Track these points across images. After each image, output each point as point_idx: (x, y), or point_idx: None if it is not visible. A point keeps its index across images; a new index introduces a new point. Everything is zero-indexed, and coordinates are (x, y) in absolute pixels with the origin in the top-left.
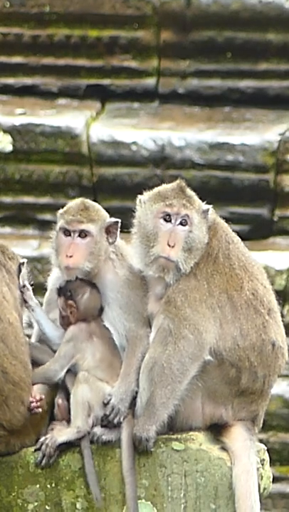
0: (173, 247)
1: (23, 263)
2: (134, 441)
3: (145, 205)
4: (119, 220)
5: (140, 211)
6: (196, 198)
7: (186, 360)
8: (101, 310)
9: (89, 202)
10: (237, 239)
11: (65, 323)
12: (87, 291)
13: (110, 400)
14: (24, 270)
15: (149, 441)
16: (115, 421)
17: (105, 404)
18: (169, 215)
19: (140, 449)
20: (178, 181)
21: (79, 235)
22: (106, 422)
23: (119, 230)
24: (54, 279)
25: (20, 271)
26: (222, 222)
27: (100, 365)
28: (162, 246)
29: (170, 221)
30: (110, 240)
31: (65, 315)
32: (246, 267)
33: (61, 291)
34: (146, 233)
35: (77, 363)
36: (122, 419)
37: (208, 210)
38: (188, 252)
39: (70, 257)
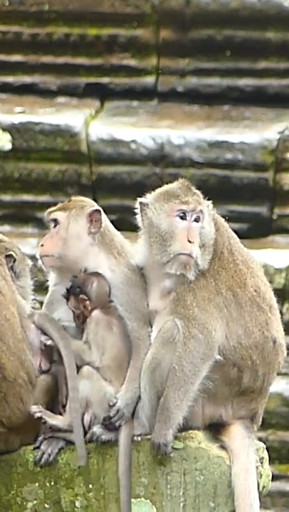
0: (193, 243)
1: (9, 255)
2: (152, 448)
3: (155, 206)
4: (100, 209)
5: (150, 212)
6: (200, 194)
7: (197, 361)
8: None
9: (75, 197)
10: (235, 236)
11: (81, 320)
12: (94, 280)
13: (116, 402)
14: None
15: (168, 446)
16: (117, 424)
17: (110, 406)
18: (184, 212)
19: (160, 454)
20: (182, 180)
21: (53, 226)
22: (108, 423)
23: (103, 220)
24: (53, 278)
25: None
26: (221, 218)
27: (111, 365)
28: (182, 243)
29: (185, 218)
30: (92, 230)
31: (80, 312)
32: (247, 263)
33: (69, 291)
34: (160, 233)
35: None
36: (123, 423)
37: (211, 206)
38: (203, 248)
39: (42, 245)
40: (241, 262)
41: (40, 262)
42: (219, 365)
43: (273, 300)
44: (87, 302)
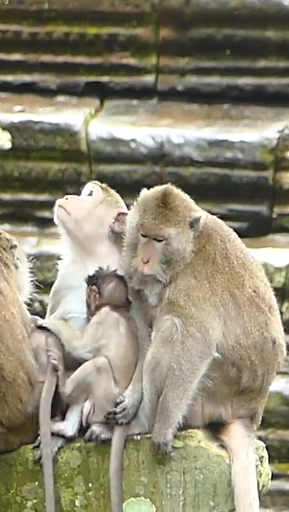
0: (147, 262)
1: (15, 245)
2: (152, 447)
3: (132, 211)
4: (127, 212)
5: (129, 216)
6: (180, 207)
7: (195, 359)
8: (129, 303)
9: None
10: (234, 237)
11: (91, 310)
12: (113, 280)
13: (124, 401)
14: (18, 252)
15: (168, 445)
16: (120, 421)
17: (117, 404)
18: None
19: (160, 454)
20: (164, 189)
21: (88, 194)
22: (111, 418)
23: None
24: (62, 264)
25: (13, 254)
26: (216, 223)
27: (120, 366)
28: (139, 260)
29: (146, 236)
30: (116, 227)
31: (89, 303)
32: (246, 265)
33: (89, 279)
34: (129, 242)
35: (100, 351)
36: (125, 421)
37: (198, 219)
38: (168, 264)
39: (66, 199)
40: (238, 264)
41: (55, 214)
42: (218, 365)
43: (273, 300)
44: (97, 295)
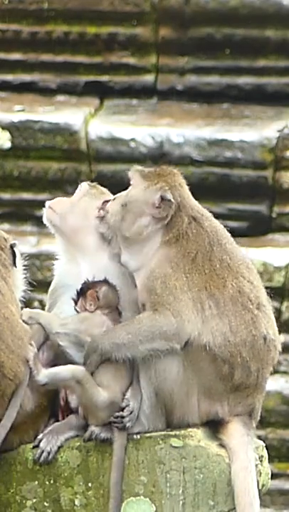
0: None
1: (14, 244)
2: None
3: None
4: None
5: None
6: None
7: (155, 331)
8: (119, 314)
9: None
10: (224, 239)
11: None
12: (104, 285)
13: (129, 404)
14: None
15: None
16: (128, 424)
17: (122, 409)
18: None
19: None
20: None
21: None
22: (119, 422)
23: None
24: (58, 264)
25: (14, 253)
26: (213, 226)
27: (108, 367)
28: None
29: None
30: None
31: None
32: (230, 267)
33: (79, 293)
34: None
35: (79, 344)
36: (132, 424)
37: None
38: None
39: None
40: (221, 267)
41: (44, 214)
42: (210, 361)
43: (262, 298)
44: (96, 299)
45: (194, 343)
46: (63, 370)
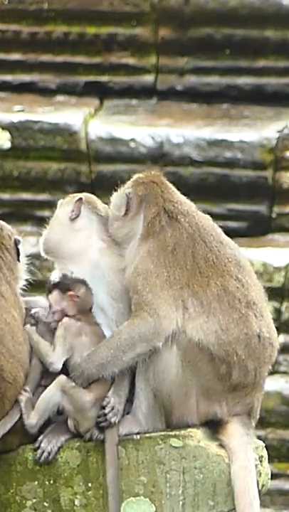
0: None
1: (18, 241)
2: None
3: None
4: (82, 198)
5: None
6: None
7: (135, 336)
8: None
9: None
10: (209, 236)
11: (58, 318)
12: (82, 287)
13: (109, 401)
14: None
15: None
16: (112, 420)
17: (103, 407)
18: None
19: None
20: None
21: None
22: (102, 420)
23: (83, 208)
24: (54, 274)
25: (18, 251)
26: (199, 223)
27: None
28: None
29: None
30: (73, 216)
31: (59, 309)
32: (216, 266)
33: (57, 285)
34: None
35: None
36: (117, 420)
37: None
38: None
39: None
40: (206, 266)
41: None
42: (208, 361)
43: (251, 296)
44: (75, 300)
45: (184, 341)
46: (46, 395)
